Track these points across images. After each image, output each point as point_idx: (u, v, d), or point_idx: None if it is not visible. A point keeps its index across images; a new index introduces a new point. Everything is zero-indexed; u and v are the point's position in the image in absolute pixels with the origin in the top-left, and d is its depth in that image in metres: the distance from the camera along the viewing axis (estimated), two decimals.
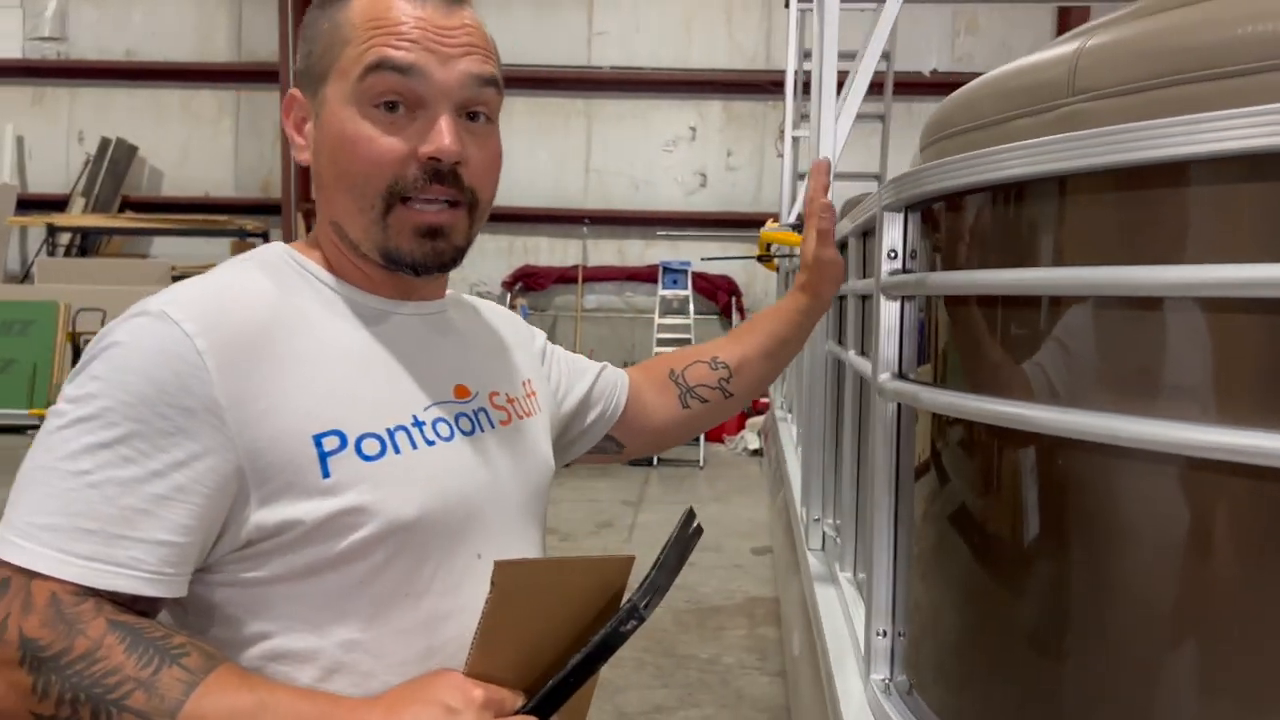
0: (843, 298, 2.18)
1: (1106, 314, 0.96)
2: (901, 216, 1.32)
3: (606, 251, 11.60)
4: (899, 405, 1.34)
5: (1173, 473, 0.90)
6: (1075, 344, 1.00)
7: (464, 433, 0.97)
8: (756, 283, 11.26)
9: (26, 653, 0.76)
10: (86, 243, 11.79)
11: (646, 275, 11.09)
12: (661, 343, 9.90)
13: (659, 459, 8.36)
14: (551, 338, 1.28)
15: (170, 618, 0.87)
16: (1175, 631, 0.91)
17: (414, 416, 0.92)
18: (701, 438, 8.41)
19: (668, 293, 10.31)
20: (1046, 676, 1.05)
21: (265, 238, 11.66)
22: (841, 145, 2.11)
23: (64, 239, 11.89)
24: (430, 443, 0.92)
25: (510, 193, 10.33)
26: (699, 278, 10.60)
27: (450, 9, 0.93)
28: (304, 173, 11.95)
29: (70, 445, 0.79)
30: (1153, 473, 0.92)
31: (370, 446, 0.87)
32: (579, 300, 11.22)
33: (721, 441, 9.46)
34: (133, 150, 11.97)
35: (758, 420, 8.99)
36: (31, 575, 0.77)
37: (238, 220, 11.56)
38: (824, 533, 2.33)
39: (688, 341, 9.78)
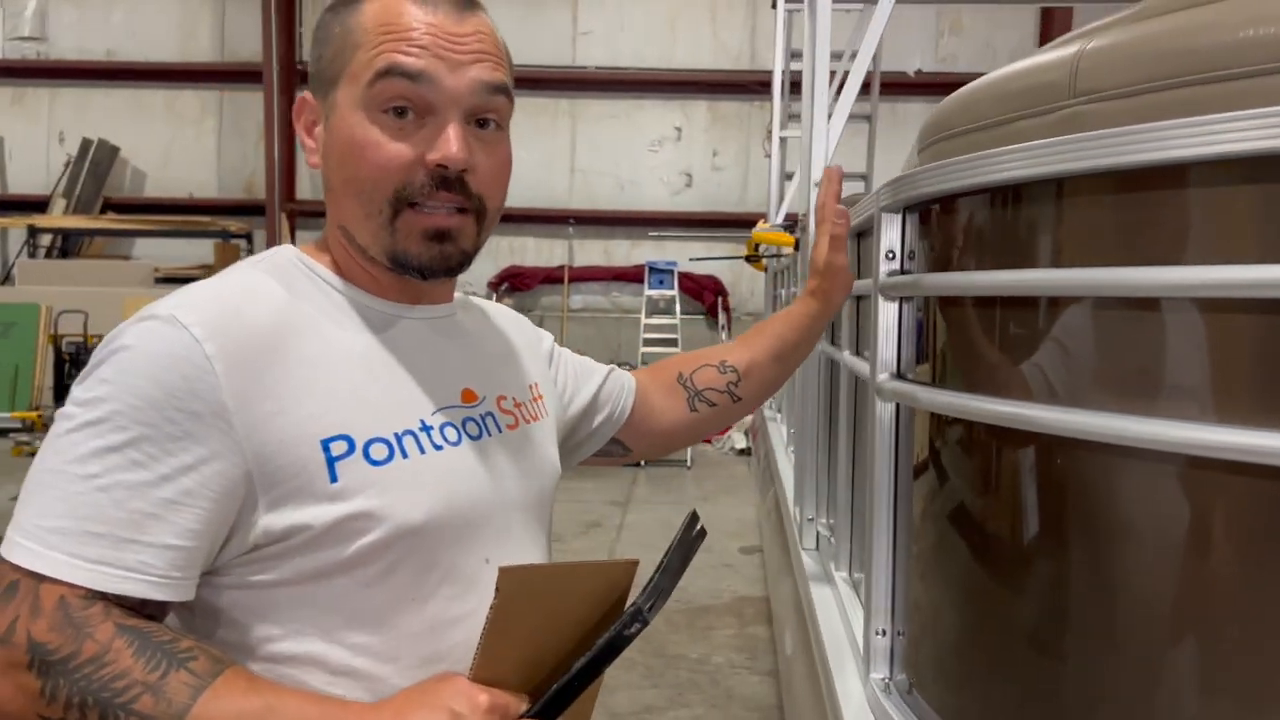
0: None
1: (1105, 315, 0.97)
2: (900, 218, 1.32)
3: (592, 252, 11.61)
4: (898, 405, 1.35)
5: (1171, 472, 0.91)
6: (1073, 344, 1.01)
7: (471, 437, 0.97)
8: (742, 282, 11.29)
9: (35, 656, 0.76)
10: (68, 244, 11.71)
11: (632, 275, 11.10)
12: (648, 342, 9.91)
13: (645, 461, 8.36)
14: None
15: (177, 621, 0.87)
16: (1174, 630, 0.91)
17: (421, 421, 0.92)
18: None
19: (654, 293, 10.32)
20: (1047, 675, 1.05)
21: (248, 239, 11.60)
22: (835, 146, 2.11)
23: (45, 240, 11.81)
24: (438, 447, 0.92)
25: None
26: (685, 278, 10.62)
27: (462, 15, 0.93)
28: (288, 174, 11.98)
29: (79, 449, 0.79)
30: (1151, 472, 0.93)
31: (378, 451, 0.87)
32: (565, 301, 11.22)
33: (709, 441, 9.47)
34: (114, 151, 11.89)
35: (745, 420, 9.01)
36: (40, 579, 0.77)
37: (221, 221, 11.51)
38: (818, 532, 2.34)
39: (674, 342, 9.79)
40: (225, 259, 11.23)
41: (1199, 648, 0.90)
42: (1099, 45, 0.97)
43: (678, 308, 10.26)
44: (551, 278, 11.31)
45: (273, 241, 11.50)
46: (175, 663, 0.77)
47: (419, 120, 0.91)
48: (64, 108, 12.13)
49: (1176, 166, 0.86)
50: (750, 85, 11.13)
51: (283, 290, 0.91)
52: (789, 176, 5.58)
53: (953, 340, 1.25)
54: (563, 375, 1.23)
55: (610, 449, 1.29)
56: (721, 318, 10.92)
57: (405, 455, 0.89)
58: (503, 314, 1.18)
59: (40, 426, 8.93)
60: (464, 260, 0.95)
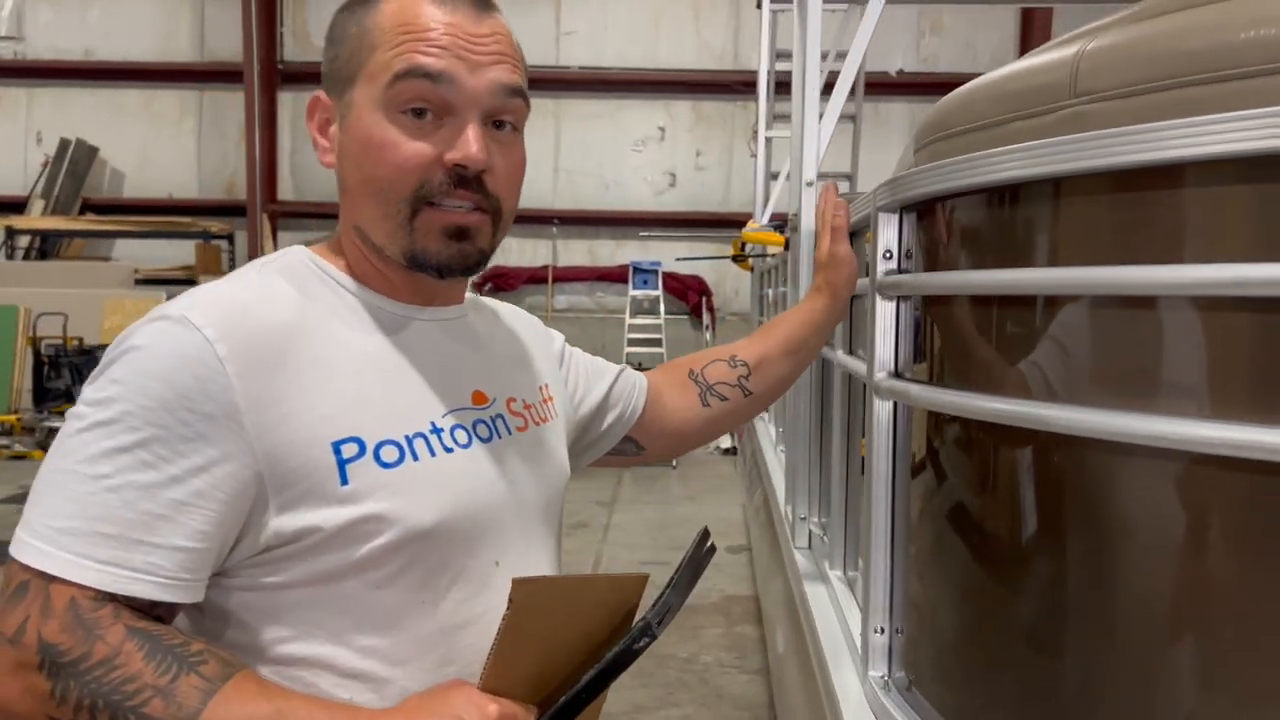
0: None
1: (1102, 314, 0.98)
2: (897, 217, 1.33)
3: (577, 252, 11.60)
4: (895, 404, 1.35)
5: (1167, 469, 0.92)
6: (1071, 343, 1.01)
7: (482, 440, 0.96)
8: (727, 282, 11.30)
9: (45, 657, 0.75)
10: (46, 245, 11.59)
11: (617, 275, 11.10)
12: (632, 343, 9.91)
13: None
14: None
15: (187, 622, 0.86)
16: (1171, 627, 0.92)
17: (432, 423, 0.92)
18: None
19: (638, 293, 10.32)
20: (1045, 672, 1.06)
21: (229, 240, 11.53)
22: (825, 146, 2.12)
23: (23, 242, 11.68)
24: (449, 450, 0.92)
25: None
26: (669, 278, 10.62)
27: (480, 16, 0.93)
28: (269, 174, 11.90)
29: (89, 449, 0.79)
30: (1147, 470, 0.93)
31: (389, 454, 0.87)
32: (549, 301, 11.20)
33: None
34: (93, 151, 11.79)
35: None
36: (50, 579, 0.77)
37: (201, 222, 11.43)
38: (810, 531, 2.34)
39: (658, 342, 9.80)
40: (206, 260, 11.16)
41: (1196, 644, 0.91)
42: (1099, 45, 0.98)
43: (662, 308, 10.26)
44: (536, 278, 11.29)
45: (254, 242, 11.42)
46: (186, 666, 0.77)
47: (437, 120, 0.91)
48: (41, 108, 12.00)
49: (1174, 166, 0.87)
50: (734, 85, 11.15)
51: (294, 291, 0.91)
52: (774, 176, 5.60)
53: (950, 339, 1.26)
54: (573, 376, 1.22)
55: (624, 448, 1.29)
56: (706, 318, 10.93)
57: (416, 458, 0.89)
58: (513, 314, 1.18)
59: (19, 429, 8.84)
60: (481, 259, 0.96)
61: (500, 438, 0.99)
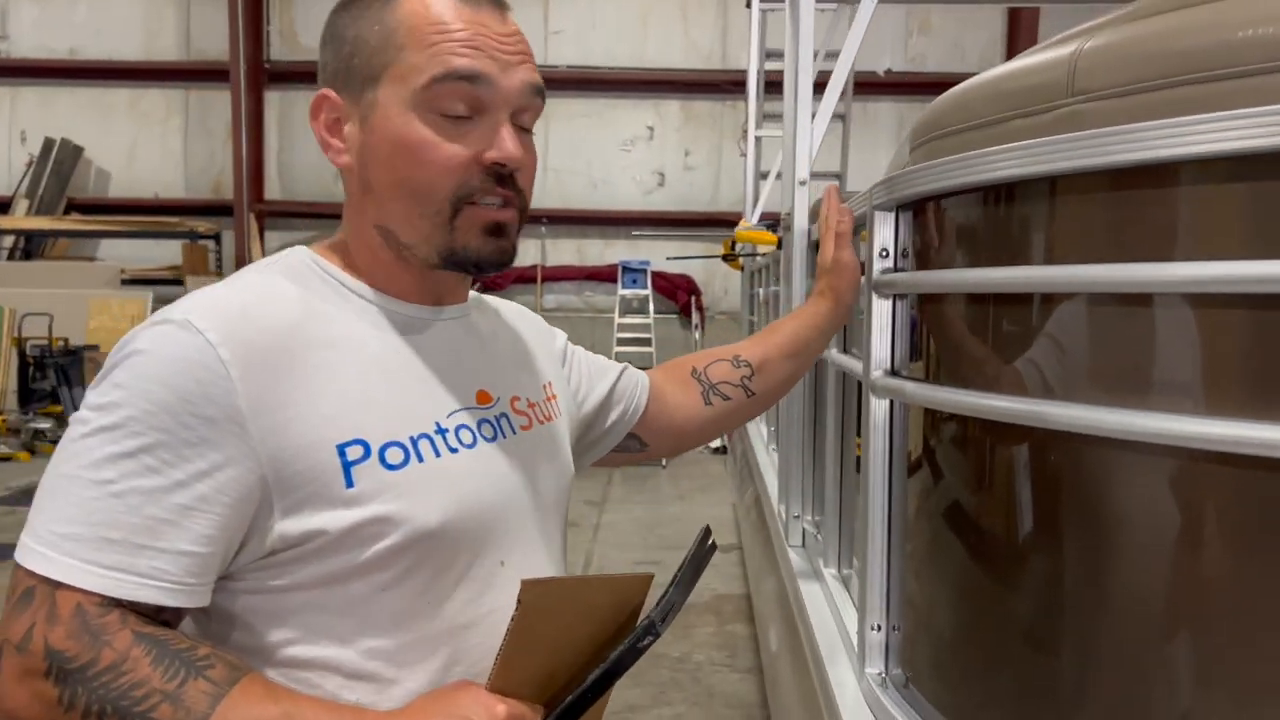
0: None
1: (1098, 311, 0.98)
2: (893, 216, 1.33)
3: (565, 251, 11.59)
4: (892, 402, 1.36)
5: (1162, 466, 0.92)
6: (1067, 340, 1.02)
7: (486, 439, 0.96)
8: (715, 281, 11.32)
9: (52, 664, 0.75)
10: (31, 245, 11.52)
11: (606, 275, 11.10)
12: (621, 342, 9.91)
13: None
14: None
15: (193, 625, 0.86)
16: (1168, 624, 0.92)
17: (437, 424, 0.92)
18: None
19: (627, 292, 10.32)
20: (1042, 668, 1.06)
21: (216, 240, 11.48)
22: (818, 145, 2.12)
23: (7, 242, 11.61)
24: (453, 450, 0.92)
25: None
26: (658, 277, 10.63)
27: (502, 15, 0.94)
28: (256, 174, 11.83)
29: (93, 454, 0.78)
30: (1142, 466, 0.94)
31: (394, 455, 0.87)
32: (539, 300, 11.19)
33: None
34: (78, 151, 11.72)
35: None
36: (55, 585, 0.77)
37: (188, 222, 11.37)
38: (804, 529, 2.35)
39: (648, 341, 9.80)
40: (193, 260, 11.11)
41: (1192, 641, 0.91)
42: (1096, 45, 0.99)
43: (651, 307, 10.26)
44: (524, 277, 11.27)
45: (241, 242, 11.37)
46: (193, 671, 0.76)
47: (470, 120, 0.91)
48: (26, 107, 11.92)
49: (1171, 165, 0.88)
50: (722, 85, 11.17)
51: (297, 293, 0.91)
52: (764, 176, 5.61)
53: (947, 337, 1.27)
54: (576, 374, 1.22)
55: (627, 445, 1.29)
56: (695, 317, 10.94)
57: (421, 459, 0.89)
58: (516, 313, 1.18)
59: (4, 431, 8.78)
60: (514, 254, 0.97)
61: (505, 437, 0.99)
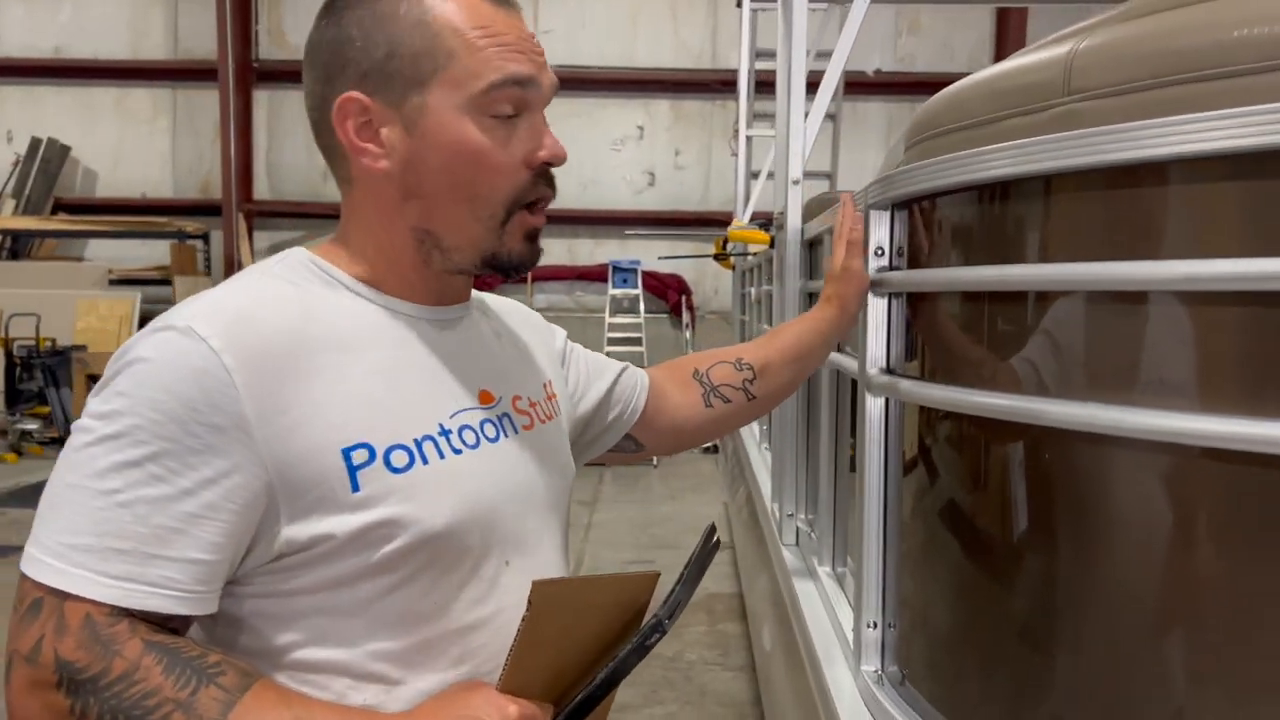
0: (814, 295, 2.20)
1: (1093, 309, 0.99)
2: (888, 215, 1.34)
3: (556, 251, 11.57)
4: (888, 400, 1.36)
5: (1156, 463, 0.93)
6: (1062, 338, 1.03)
7: (489, 440, 0.96)
8: (706, 281, 11.32)
9: (63, 675, 0.75)
10: (18, 246, 11.44)
11: (596, 274, 11.08)
12: (612, 341, 9.90)
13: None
14: None
15: (199, 629, 0.86)
16: (1162, 621, 0.93)
17: (440, 425, 0.92)
18: None
19: (618, 292, 10.32)
20: (1038, 665, 1.07)
21: (205, 239, 11.42)
22: (811, 145, 2.13)
23: None
24: (457, 451, 0.92)
25: None
26: (649, 277, 10.62)
27: (520, 17, 0.95)
28: (244, 174, 11.73)
29: (98, 463, 0.78)
30: (1137, 463, 0.95)
31: (399, 458, 0.87)
32: (529, 300, 11.17)
33: None
34: (65, 150, 11.64)
35: None
36: (64, 596, 0.76)
37: (176, 222, 11.31)
38: (798, 528, 2.36)
39: (638, 341, 9.80)
40: (181, 260, 11.05)
41: (1186, 638, 0.91)
42: (1092, 44, 0.99)
43: (642, 306, 10.26)
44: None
45: (229, 242, 11.32)
46: (204, 679, 0.76)
47: (512, 121, 0.93)
48: (12, 106, 11.84)
49: (1163, 163, 0.88)
50: (712, 84, 11.18)
51: (297, 296, 0.90)
52: (755, 175, 5.61)
53: (943, 335, 1.27)
54: (574, 373, 1.23)
55: (624, 445, 1.29)
56: (685, 316, 10.94)
57: (425, 461, 0.89)
58: (515, 310, 1.18)
59: None
60: (540, 255, 1.00)
61: (507, 437, 0.99)
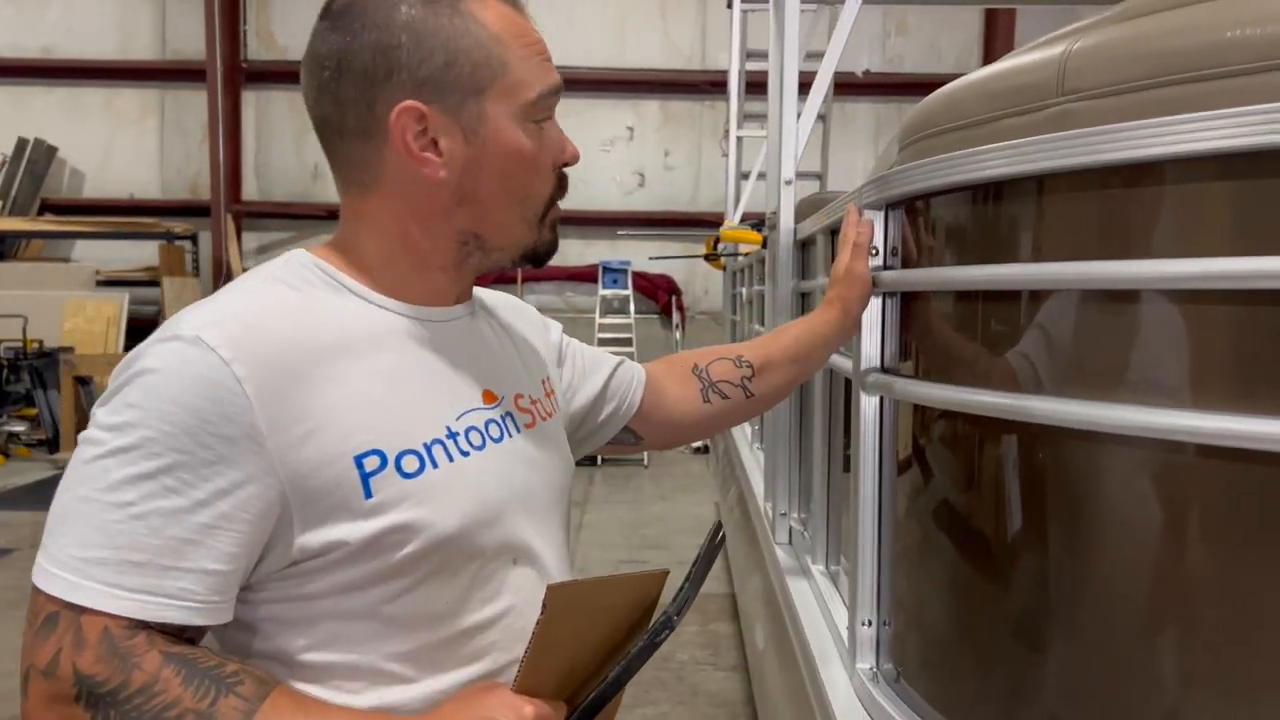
0: (806, 295, 2.21)
1: (1086, 308, 0.99)
2: (883, 214, 1.34)
3: None
4: (882, 398, 1.37)
5: (1150, 461, 0.93)
6: (1056, 336, 1.03)
7: (494, 440, 0.97)
8: (696, 281, 11.34)
9: (82, 689, 0.75)
10: (4, 247, 11.36)
11: (587, 275, 11.07)
12: (603, 342, 9.89)
13: (603, 459, 8.37)
14: None
15: (213, 635, 0.86)
16: (1157, 620, 0.93)
17: (447, 428, 0.93)
18: None
19: (608, 292, 10.31)
20: (1033, 663, 1.07)
21: (194, 240, 11.37)
22: (804, 145, 2.14)
23: None
24: (465, 453, 0.93)
25: None
26: (639, 277, 10.62)
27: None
28: (233, 174, 11.68)
29: (111, 476, 0.78)
30: (1131, 461, 0.95)
31: (410, 464, 0.87)
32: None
33: None
34: (52, 151, 11.57)
35: None
36: (80, 610, 0.76)
37: (165, 222, 11.25)
38: (791, 527, 2.36)
39: (629, 341, 9.80)
40: (169, 261, 10.99)
41: (1181, 637, 0.92)
42: (1086, 45, 1.00)
43: (632, 307, 10.26)
44: (504, 277, 11.22)
45: (218, 243, 11.27)
46: (223, 688, 0.77)
47: (544, 126, 0.97)
48: None
49: (1157, 163, 0.89)
50: (702, 85, 11.19)
51: (302, 300, 0.90)
52: (745, 175, 5.63)
53: (937, 334, 1.28)
54: (570, 369, 1.23)
55: (622, 437, 1.30)
56: (676, 317, 10.95)
57: (435, 465, 0.89)
58: (512, 307, 1.19)
59: None
60: None
61: (510, 436, 1.00)
